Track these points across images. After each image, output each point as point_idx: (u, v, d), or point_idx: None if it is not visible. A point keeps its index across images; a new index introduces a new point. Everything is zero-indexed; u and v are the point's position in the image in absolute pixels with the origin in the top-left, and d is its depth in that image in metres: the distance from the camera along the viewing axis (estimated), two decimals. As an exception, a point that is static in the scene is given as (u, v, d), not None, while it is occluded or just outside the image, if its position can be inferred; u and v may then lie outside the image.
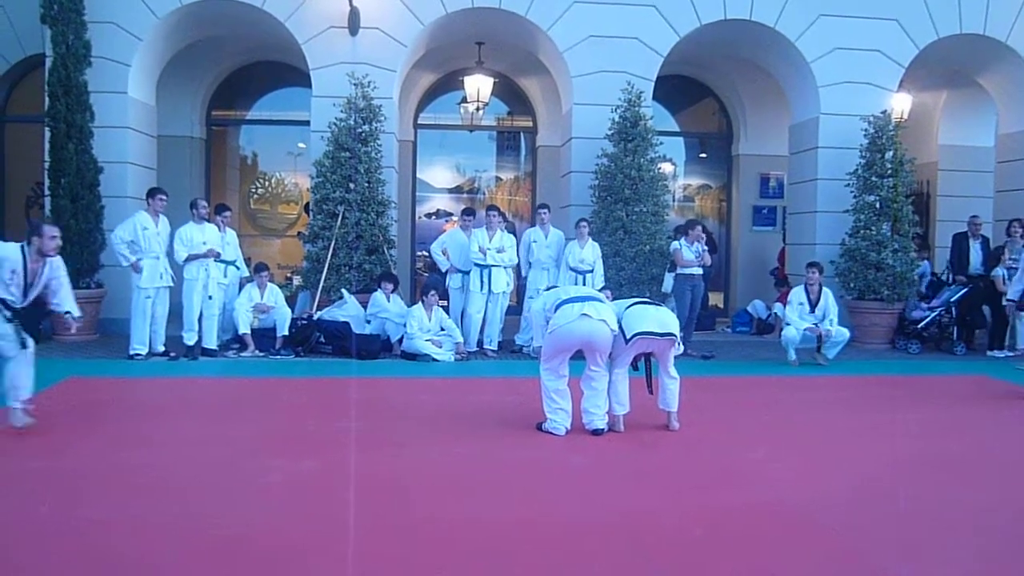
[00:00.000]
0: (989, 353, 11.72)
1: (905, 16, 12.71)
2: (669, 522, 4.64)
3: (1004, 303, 9.33)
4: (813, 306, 10.45)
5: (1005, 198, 14.03)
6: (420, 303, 10.56)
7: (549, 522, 4.58)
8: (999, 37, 12.90)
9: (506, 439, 6.40)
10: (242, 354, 10.27)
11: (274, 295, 10.67)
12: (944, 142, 16.07)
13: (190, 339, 10.03)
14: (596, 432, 6.47)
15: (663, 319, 6.67)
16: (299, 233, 12.30)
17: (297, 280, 12.68)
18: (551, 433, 6.46)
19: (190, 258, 9.88)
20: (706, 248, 11.15)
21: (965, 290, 11.89)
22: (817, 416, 7.76)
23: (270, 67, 14.82)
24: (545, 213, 11.32)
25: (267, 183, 15.67)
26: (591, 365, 6.53)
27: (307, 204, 12.97)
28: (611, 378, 6.66)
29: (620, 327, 6.55)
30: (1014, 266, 11.65)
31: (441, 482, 5.27)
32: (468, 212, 11.76)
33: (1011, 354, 11.69)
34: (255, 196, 15.62)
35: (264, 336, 10.44)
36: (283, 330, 10.43)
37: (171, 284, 10.00)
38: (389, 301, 10.74)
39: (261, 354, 10.27)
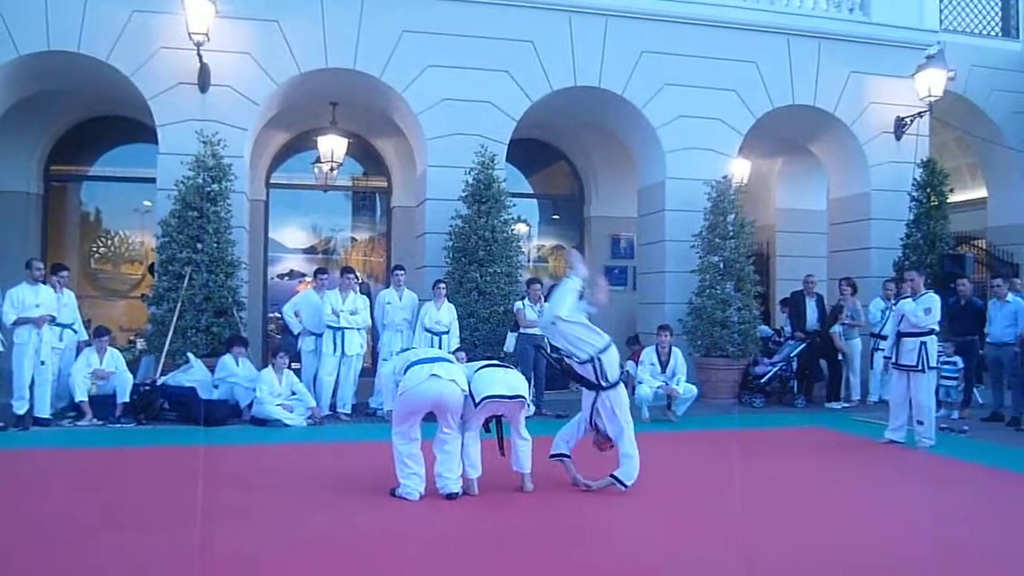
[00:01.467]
0: (827, 405, 12.32)
1: (743, 87, 13.43)
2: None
3: (883, 358, 9.96)
4: (664, 365, 10.74)
5: (837, 258, 14.91)
6: (270, 366, 10.29)
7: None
8: (827, 108, 13.81)
9: (360, 505, 6.24)
10: (79, 423, 9.71)
11: (114, 360, 10.17)
12: (781, 205, 17.00)
13: (20, 408, 9.40)
14: (450, 496, 6.40)
15: (512, 382, 6.71)
16: (143, 295, 11.83)
17: (141, 344, 12.16)
18: (405, 498, 6.35)
19: (19, 321, 9.33)
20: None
21: (803, 345, 12.49)
22: (671, 472, 7.91)
23: (115, 122, 14.30)
24: (401, 274, 11.29)
25: (110, 242, 15.04)
26: (443, 427, 6.48)
27: (152, 265, 12.50)
28: (463, 441, 6.62)
29: (470, 389, 6.55)
30: (850, 322, 12.37)
31: (293, 553, 5.07)
32: (321, 272, 11.58)
33: (847, 405, 12.33)
34: (96, 256, 14.95)
35: (103, 403, 9.90)
36: (124, 397, 9.91)
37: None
38: (238, 365, 10.41)
39: (100, 423, 9.73)
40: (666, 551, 5.28)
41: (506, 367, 7.04)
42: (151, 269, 12.63)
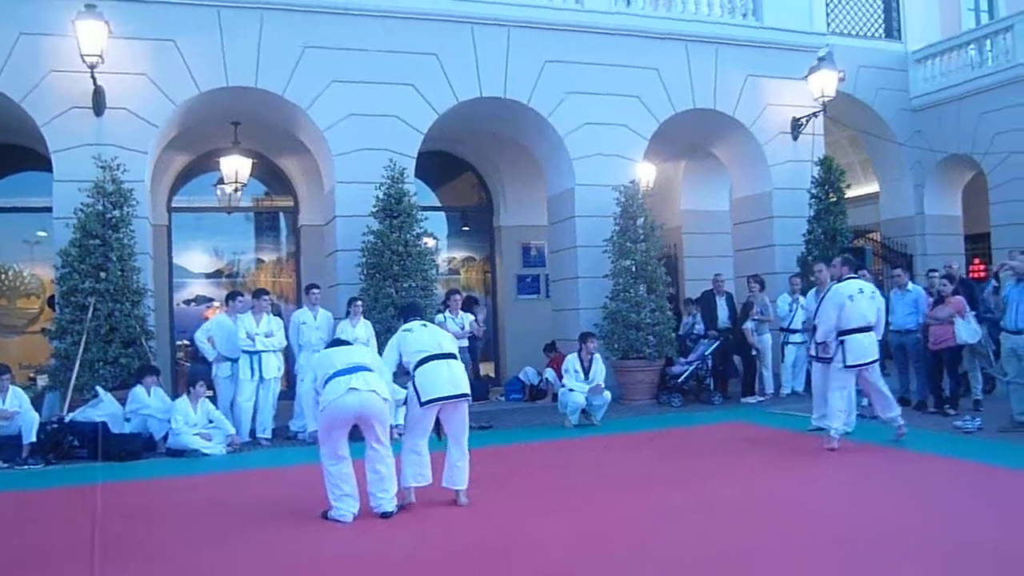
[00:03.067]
0: (743, 400, 12.58)
1: (645, 93, 13.67)
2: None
3: (811, 347, 9.72)
4: (586, 372, 10.82)
5: (742, 256, 15.30)
6: (185, 395, 9.98)
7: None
8: (727, 111, 14.16)
9: (290, 531, 6.07)
10: (-18, 467, 9.23)
11: (18, 399, 9.66)
12: (686, 207, 17.35)
13: (-82, 454, 8.91)
14: (385, 515, 6.28)
15: (455, 377, 6.66)
16: (44, 329, 11.34)
17: (43, 380, 11.66)
18: (338, 521, 6.21)
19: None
20: (474, 319, 11.33)
21: (716, 343, 12.75)
22: (599, 475, 7.98)
23: (5, 149, 13.70)
24: (316, 293, 11.09)
25: (3, 276, 14.38)
26: (371, 443, 6.33)
27: (51, 297, 11.99)
28: (411, 448, 6.55)
29: (413, 387, 6.50)
30: (760, 318, 12.66)
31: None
32: (236, 295, 11.26)
33: (761, 398, 12.62)
34: (-9, 290, 14.30)
35: (8, 445, 9.38)
36: (30, 436, 9.38)
37: None
38: (150, 395, 10.04)
39: (5, 465, 9.21)
40: (602, 557, 5.30)
41: (448, 358, 6.78)
42: (51, 302, 12.12)
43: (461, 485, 6.71)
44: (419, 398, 6.48)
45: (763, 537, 5.59)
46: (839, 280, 9.08)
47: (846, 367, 8.76)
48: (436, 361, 6.67)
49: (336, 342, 7.28)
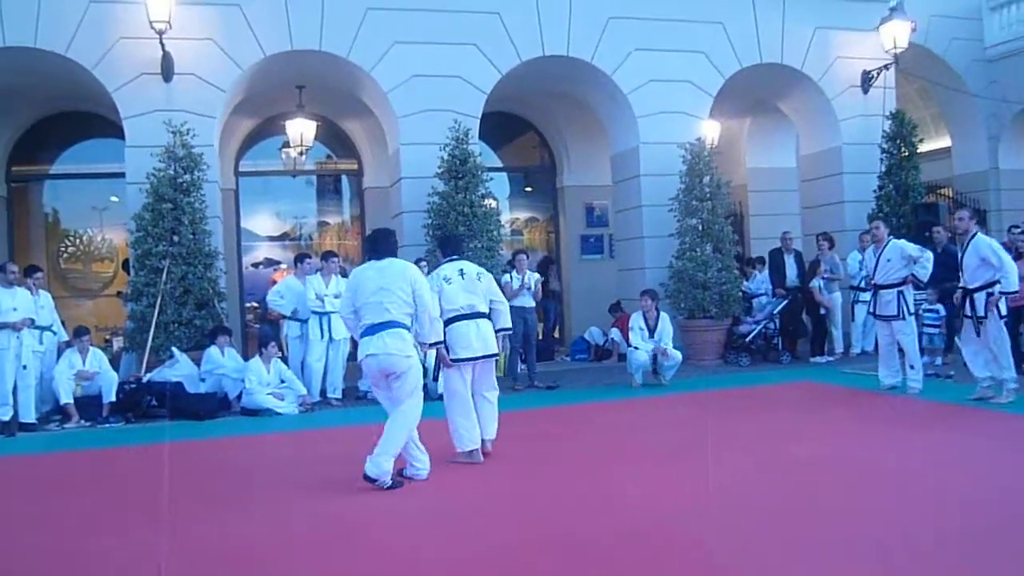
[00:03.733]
0: (812, 359, 12.44)
1: (711, 49, 13.42)
2: (540, 558, 4.58)
3: (872, 305, 9.68)
4: (652, 330, 10.76)
5: (810, 214, 15.02)
6: (258, 356, 10.16)
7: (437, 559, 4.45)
8: (795, 65, 13.84)
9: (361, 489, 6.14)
10: (66, 426, 9.50)
11: (97, 359, 9.99)
12: (751, 165, 17.06)
13: (4, 414, 9.16)
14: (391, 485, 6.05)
15: (486, 337, 6.92)
16: (119, 292, 11.61)
17: (118, 342, 11.96)
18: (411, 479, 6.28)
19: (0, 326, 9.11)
20: (540, 279, 11.34)
21: (785, 302, 12.59)
22: (670, 434, 7.97)
23: (75, 117, 14.00)
24: (381, 254, 11.16)
25: (78, 241, 14.75)
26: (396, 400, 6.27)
27: (125, 261, 12.29)
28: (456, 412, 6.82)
29: (446, 342, 6.69)
30: (829, 276, 12.47)
31: (304, 544, 5.01)
32: (304, 257, 11.40)
33: (831, 358, 12.46)
34: (65, 255, 14.66)
35: (89, 404, 9.71)
36: (110, 396, 9.72)
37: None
38: (224, 356, 10.27)
39: (87, 424, 9.55)
40: (687, 511, 5.30)
41: (478, 317, 6.97)
42: (125, 265, 12.41)
43: (489, 434, 6.99)
44: (447, 354, 6.69)
45: (839, 496, 5.53)
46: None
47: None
48: (466, 321, 6.89)
49: (370, 257, 6.63)
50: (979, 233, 8.73)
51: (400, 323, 6.17)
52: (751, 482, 5.94)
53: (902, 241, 9.66)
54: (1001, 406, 8.29)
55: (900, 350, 9.46)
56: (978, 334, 8.51)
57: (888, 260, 9.38)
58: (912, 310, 9.38)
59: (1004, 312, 8.52)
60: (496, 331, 7.11)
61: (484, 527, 5.25)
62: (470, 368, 6.92)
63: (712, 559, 4.47)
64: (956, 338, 11.75)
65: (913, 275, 9.28)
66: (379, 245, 6.54)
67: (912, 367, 9.27)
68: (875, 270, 9.52)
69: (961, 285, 8.75)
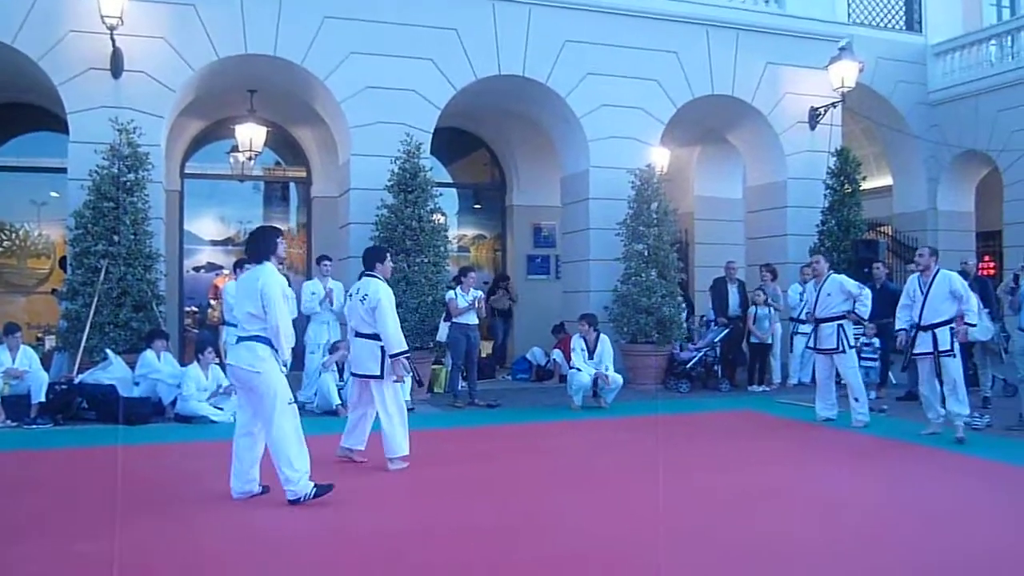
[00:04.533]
0: (749, 388, 12.58)
1: (664, 77, 13.60)
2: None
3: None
4: (591, 352, 10.80)
5: (754, 245, 15.27)
6: (196, 362, 9.98)
7: None
8: (746, 98, 14.09)
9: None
10: (-9, 424, 9.26)
11: (28, 358, 9.72)
12: (699, 193, 17.32)
13: (-73, 411, 8.93)
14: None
15: (356, 356, 7.28)
16: (54, 290, 11.34)
17: (50, 341, 11.67)
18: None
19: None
20: (482, 296, 11.35)
21: (727, 330, 12.73)
22: (610, 457, 8.00)
23: (18, 109, 13.67)
24: (328, 264, 11.08)
25: (13, 235, 14.36)
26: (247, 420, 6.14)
27: (62, 258, 12.00)
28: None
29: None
30: (772, 305, 12.65)
31: (235, 551, 4.93)
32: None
33: (767, 388, 12.61)
34: (0, 249, 14.27)
35: (17, 404, 9.43)
36: (39, 396, 9.46)
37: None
38: (160, 360, 10.06)
39: (13, 424, 9.27)
40: (626, 538, 5.30)
41: (357, 336, 7.30)
42: (62, 263, 12.12)
43: (351, 444, 7.38)
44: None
45: (768, 524, 5.59)
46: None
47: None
48: (354, 339, 7.32)
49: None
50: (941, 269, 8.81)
51: (254, 336, 5.97)
52: (687, 507, 5.97)
53: (842, 276, 9.87)
54: (948, 444, 8.30)
55: (838, 383, 9.62)
56: (938, 371, 8.48)
57: (828, 295, 9.57)
58: (852, 343, 9.56)
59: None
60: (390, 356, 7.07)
61: (414, 548, 5.19)
62: (355, 383, 7.40)
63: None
64: (889, 373, 12.09)
65: (854, 311, 9.44)
66: (248, 248, 6.42)
67: (856, 399, 9.38)
68: (815, 304, 9.70)
69: (910, 324, 8.82)
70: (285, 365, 6.10)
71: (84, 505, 6.00)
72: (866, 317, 9.69)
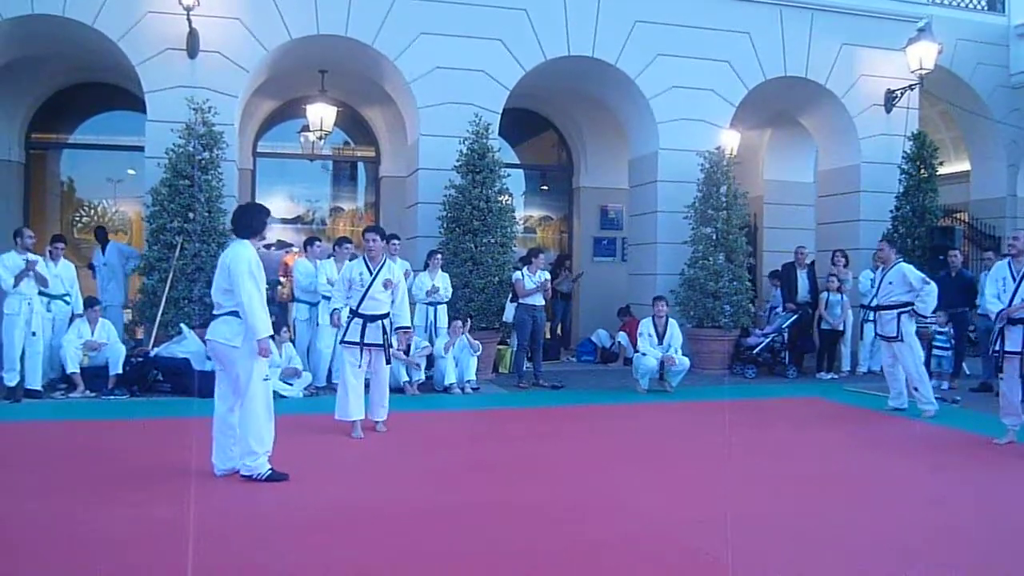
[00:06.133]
0: (817, 375, 12.39)
1: (736, 58, 13.39)
2: (545, 560, 4.57)
3: (993, 317, 8.21)
4: (660, 337, 10.74)
5: (825, 230, 14.99)
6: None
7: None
8: (819, 80, 13.80)
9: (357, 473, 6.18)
10: (71, 395, 9.56)
11: (106, 331, 10.01)
12: (769, 177, 17.03)
13: (11, 380, 9.25)
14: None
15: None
16: (90, 265, 11.72)
17: (127, 315, 11.98)
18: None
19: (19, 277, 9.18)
20: (549, 278, 11.35)
21: (795, 316, 12.55)
22: (675, 441, 7.97)
23: (96, 88, 14.06)
24: (396, 244, 11.16)
25: (92, 211, 14.77)
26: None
27: (98, 229, 12.66)
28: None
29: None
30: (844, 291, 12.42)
31: (308, 520, 5.03)
32: (311, 241, 11.41)
33: (836, 376, 12.42)
34: (79, 225, 14.68)
35: (96, 375, 9.75)
36: (116, 368, 9.76)
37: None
38: (232, 336, 10.26)
39: (92, 394, 9.59)
40: (690, 521, 5.28)
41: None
42: (97, 235, 12.69)
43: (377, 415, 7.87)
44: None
45: (826, 510, 5.52)
46: None
47: None
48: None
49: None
50: None
51: (231, 311, 6.00)
52: (747, 493, 5.92)
53: (908, 266, 9.55)
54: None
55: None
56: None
57: (890, 283, 9.38)
58: (911, 332, 9.32)
59: None
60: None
61: (476, 526, 5.24)
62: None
63: (714, 570, 4.46)
64: (963, 364, 11.81)
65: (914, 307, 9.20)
66: (233, 222, 6.41)
67: (916, 388, 9.20)
68: (877, 291, 9.54)
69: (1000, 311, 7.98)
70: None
71: (160, 474, 6.17)
72: (927, 314, 9.42)
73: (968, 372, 12.12)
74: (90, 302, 10.14)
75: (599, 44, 12.79)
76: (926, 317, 9.80)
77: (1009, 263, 8.08)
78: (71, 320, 10.09)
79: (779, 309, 13.16)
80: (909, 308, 9.25)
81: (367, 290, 7.84)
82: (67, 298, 10.17)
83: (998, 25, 16.48)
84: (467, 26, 12.27)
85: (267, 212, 6.57)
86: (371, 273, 7.91)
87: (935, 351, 11.20)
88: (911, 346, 9.29)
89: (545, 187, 16.93)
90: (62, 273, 10.12)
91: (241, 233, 6.19)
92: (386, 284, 7.92)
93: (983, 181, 17.03)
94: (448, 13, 12.19)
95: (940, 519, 5.50)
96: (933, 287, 9.23)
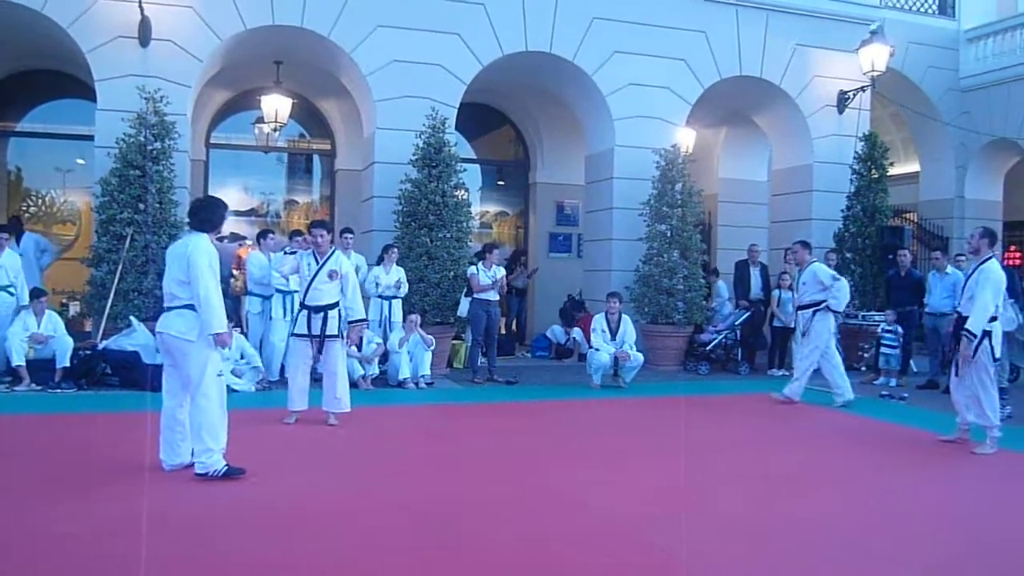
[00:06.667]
0: (769, 372, 12.54)
1: (692, 57, 13.50)
2: (497, 554, 4.58)
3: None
4: (613, 332, 10.80)
5: (778, 228, 15.18)
6: (218, 331, 10.02)
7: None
8: (774, 80, 13.96)
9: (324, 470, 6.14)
10: (16, 388, 9.34)
11: (53, 323, 9.81)
12: (723, 175, 17.20)
13: (-47, 373, 9.06)
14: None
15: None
16: (84, 258, 11.43)
17: (75, 307, 11.77)
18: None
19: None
20: (504, 274, 11.36)
21: (747, 314, 12.69)
22: (628, 437, 8.00)
23: (44, 76, 13.77)
24: (350, 238, 11.09)
25: (40, 201, 14.48)
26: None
27: (13, 217, 12.43)
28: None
29: None
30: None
31: (262, 517, 4.98)
32: (264, 234, 11.32)
33: (787, 372, 12.52)
34: (27, 215, 14.37)
35: (42, 368, 9.56)
36: (63, 361, 9.57)
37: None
38: (183, 328, 10.12)
39: (38, 388, 9.39)
40: (642, 515, 5.31)
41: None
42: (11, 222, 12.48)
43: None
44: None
45: (788, 507, 5.60)
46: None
47: None
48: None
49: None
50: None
51: (186, 304, 5.87)
52: (698, 487, 5.98)
53: (820, 265, 10.04)
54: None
55: (849, 368, 9.71)
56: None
57: (804, 283, 9.79)
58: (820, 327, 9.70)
59: None
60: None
61: (432, 521, 5.22)
62: None
63: (666, 564, 4.49)
64: (911, 361, 12.03)
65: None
66: (191, 215, 6.36)
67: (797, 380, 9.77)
68: (796, 291, 9.83)
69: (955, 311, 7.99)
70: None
71: (112, 470, 6.06)
72: (839, 309, 9.78)
73: (915, 369, 12.33)
74: (36, 293, 9.93)
75: (557, 40, 12.81)
76: (839, 314, 10.06)
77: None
78: (16, 312, 9.87)
79: (724, 310, 13.36)
80: (823, 305, 9.63)
81: (311, 280, 7.87)
82: (11, 289, 9.96)
83: (949, 29, 16.82)
84: (425, 19, 12.22)
85: (226, 207, 6.47)
86: (317, 263, 7.91)
87: (883, 349, 11.41)
88: (813, 340, 9.70)
89: (501, 182, 16.94)
90: (7, 263, 9.91)
91: (199, 227, 6.08)
92: (331, 275, 7.90)
93: (932, 182, 17.36)
94: (406, 6, 12.13)
95: (888, 511, 5.59)
96: (843, 283, 9.72)
